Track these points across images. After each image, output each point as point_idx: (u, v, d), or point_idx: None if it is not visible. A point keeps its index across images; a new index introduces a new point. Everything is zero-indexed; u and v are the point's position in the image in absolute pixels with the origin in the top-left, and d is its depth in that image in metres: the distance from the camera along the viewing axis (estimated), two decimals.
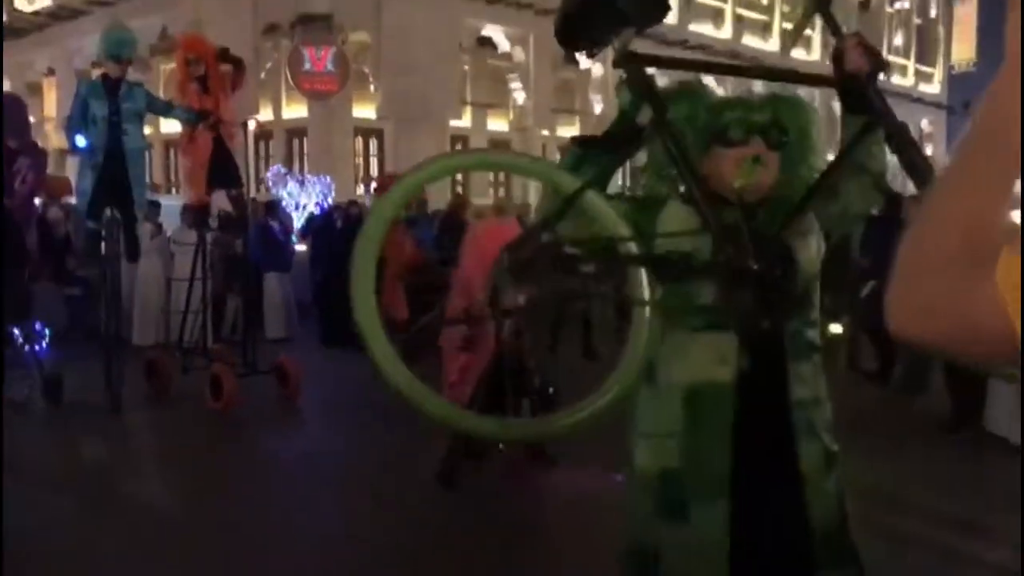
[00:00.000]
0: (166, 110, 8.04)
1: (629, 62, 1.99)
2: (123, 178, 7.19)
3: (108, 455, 6.04)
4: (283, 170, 12.54)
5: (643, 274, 2.01)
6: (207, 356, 8.02)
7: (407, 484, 5.50)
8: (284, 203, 11.98)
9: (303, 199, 12.27)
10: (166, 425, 7.45)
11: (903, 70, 33.21)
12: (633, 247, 2.00)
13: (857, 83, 2.07)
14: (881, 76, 2.11)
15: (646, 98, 1.99)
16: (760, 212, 2.09)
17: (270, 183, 12.64)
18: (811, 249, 2.14)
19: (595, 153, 2.06)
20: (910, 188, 2.44)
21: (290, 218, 11.62)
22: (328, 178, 14.14)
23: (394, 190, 1.99)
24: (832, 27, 2.16)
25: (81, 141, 6.99)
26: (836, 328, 8.45)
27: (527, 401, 5.17)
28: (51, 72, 19.66)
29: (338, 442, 6.76)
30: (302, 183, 12.21)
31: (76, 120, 7.06)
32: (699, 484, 2.06)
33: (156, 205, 11.28)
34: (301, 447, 6.71)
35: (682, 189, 2.11)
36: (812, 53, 27.13)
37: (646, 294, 2.01)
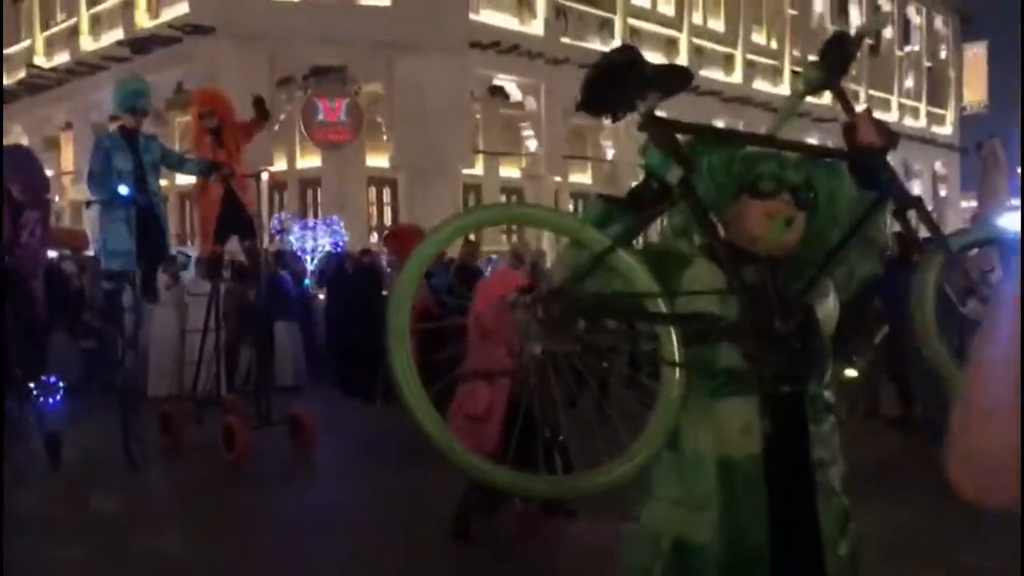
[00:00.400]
0: (179, 163, 8.10)
1: (655, 126, 2.04)
2: (155, 228, 7.24)
3: (121, 508, 5.97)
4: (287, 215, 12.53)
5: (673, 334, 2.00)
6: (221, 407, 7.99)
7: (422, 537, 5.42)
8: (293, 248, 11.97)
9: (309, 243, 12.20)
10: (180, 477, 7.41)
11: (915, 112, 33.30)
12: (664, 305, 2.01)
13: (868, 158, 2.11)
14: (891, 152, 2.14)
15: (675, 158, 2.02)
16: (782, 270, 2.10)
17: (274, 231, 12.62)
18: (829, 309, 2.15)
19: (621, 211, 2.09)
20: (923, 231, 2.46)
21: (302, 264, 11.60)
22: (339, 220, 14.11)
23: (431, 241, 2.01)
24: (844, 105, 2.20)
25: (124, 190, 6.91)
26: (851, 372, 8.36)
27: (558, 457, 5.09)
28: (68, 126, 19.94)
29: (351, 494, 6.69)
30: (306, 227, 12.17)
31: (100, 173, 7.10)
32: (736, 559, 2.04)
33: (173, 258, 11.35)
34: (315, 500, 6.64)
35: (707, 246, 2.12)
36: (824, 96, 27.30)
37: (677, 354, 1.99)
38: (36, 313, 6.98)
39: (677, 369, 1.99)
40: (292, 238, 11.71)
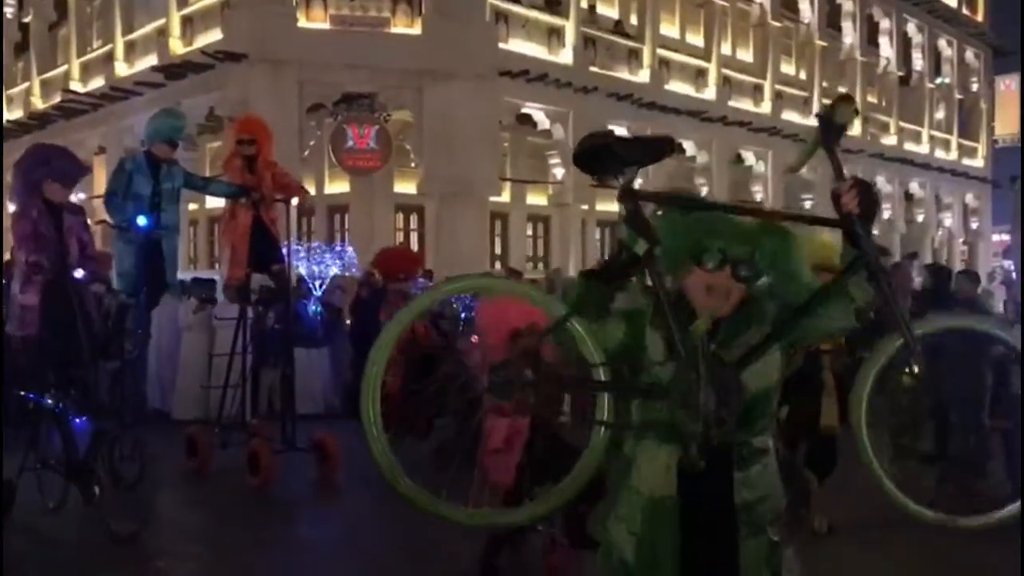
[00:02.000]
0: (204, 185, 8.14)
1: (628, 199, 2.37)
2: (158, 257, 7.21)
3: (145, 531, 5.93)
4: (295, 245, 12.44)
5: (606, 399, 2.37)
6: (246, 432, 7.98)
7: (449, 569, 5.34)
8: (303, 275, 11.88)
9: (315, 268, 12.04)
10: (204, 502, 7.39)
11: (946, 145, 33.02)
12: (603, 373, 2.36)
13: (850, 224, 2.36)
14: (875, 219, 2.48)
15: (640, 234, 2.33)
16: (722, 327, 2.40)
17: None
18: (768, 367, 2.40)
19: (595, 284, 2.44)
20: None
21: (308, 292, 11.50)
22: (349, 248, 13.92)
23: (408, 309, 2.50)
24: (835, 169, 2.42)
25: (143, 220, 6.86)
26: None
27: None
28: (102, 151, 20.20)
29: (376, 522, 6.63)
30: (309, 251, 12.01)
31: (119, 196, 7.10)
32: None
33: (203, 282, 11.41)
34: (339, 527, 6.59)
35: (655, 316, 2.42)
36: (853, 128, 27.16)
37: (606, 415, 2.37)
38: (94, 332, 6.64)
39: (603, 427, 2.37)
40: (299, 264, 11.55)
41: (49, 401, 6.20)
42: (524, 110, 18.64)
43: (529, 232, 21.21)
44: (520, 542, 5.27)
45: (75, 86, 20.57)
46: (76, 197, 21.38)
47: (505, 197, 19.53)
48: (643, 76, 20.59)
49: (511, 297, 5.64)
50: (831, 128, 2.43)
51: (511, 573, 5.19)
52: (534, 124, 19.24)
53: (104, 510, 5.93)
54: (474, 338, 9.11)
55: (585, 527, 5.38)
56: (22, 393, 6.57)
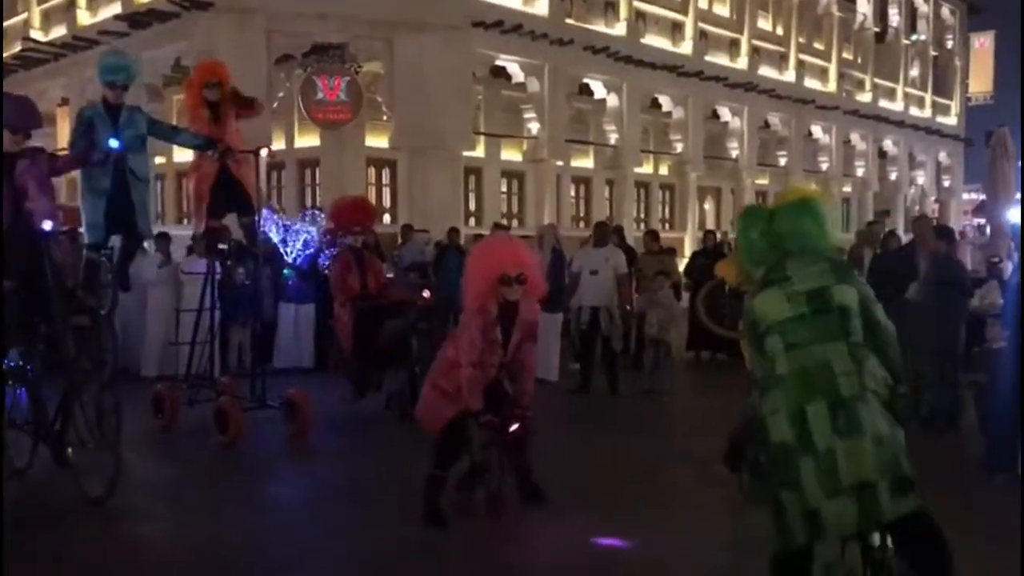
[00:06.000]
0: (171, 134, 7.82)
1: None
2: (127, 207, 6.99)
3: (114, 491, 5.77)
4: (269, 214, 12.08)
5: None
6: (214, 389, 7.83)
7: (418, 528, 5.25)
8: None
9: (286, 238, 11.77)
10: (171, 460, 7.24)
11: (920, 102, 33.03)
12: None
13: None
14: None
15: None
16: None
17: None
18: None
19: None
20: None
21: (277, 250, 11.33)
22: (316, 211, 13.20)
23: None
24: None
25: (114, 143, 6.64)
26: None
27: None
28: (65, 102, 19.64)
29: (346, 480, 6.52)
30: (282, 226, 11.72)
31: (80, 143, 6.85)
32: None
33: (165, 237, 11.15)
34: (308, 485, 6.48)
35: None
36: (829, 85, 27.08)
37: None
38: (62, 285, 6.31)
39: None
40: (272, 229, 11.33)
41: (11, 364, 6.00)
42: (498, 62, 18.33)
43: (504, 188, 20.99)
44: (464, 491, 5.49)
45: (36, 35, 19.93)
46: None
47: (479, 152, 19.27)
48: (620, 29, 20.29)
49: (503, 244, 5.73)
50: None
51: (474, 535, 5.25)
52: (508, 77, 18.93)
53: (75, 471, 5.79)
54: (426, 293, 9.03)
55: (533, 481, 5.50)
56: None
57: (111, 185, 6.84)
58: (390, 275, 10.34)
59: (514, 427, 5.34)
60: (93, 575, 4.73)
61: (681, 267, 12.97)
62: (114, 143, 6.68)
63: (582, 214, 22.28)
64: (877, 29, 30.13)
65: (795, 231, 3.28)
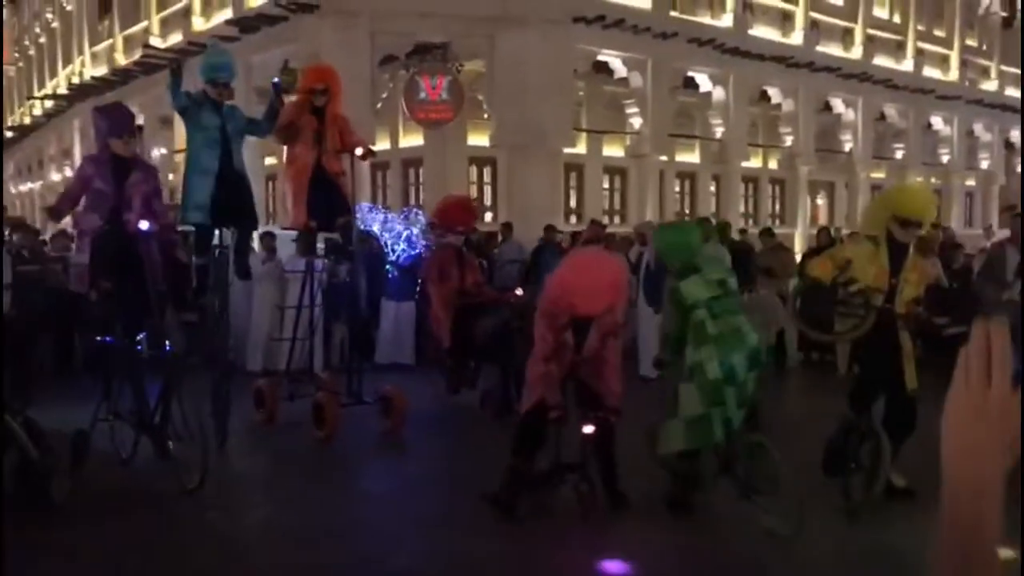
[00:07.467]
0: (270, 121, 7.39)
1: None
2: (243, 192, 7.05)
3: (209, 480, 5.91)
4: (368, 206, 12.19)
5: None
6: (313, 384, 7.96)
7: (508, 522, 5.20)
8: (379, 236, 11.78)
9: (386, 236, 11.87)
10: (267, 452, 7.40)
11: None
12: None
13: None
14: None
15: None
16: None
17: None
18: None
19: None
20: None
21: (381, 249, 11.47)
22: (418, 211, 13.27)
23: None
24: None
25: (275, 79, 7.22)
26: None
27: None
28: None
29: (439, 476, 6.53)
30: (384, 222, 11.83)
31: (181, 97, 6.82)
32: None
33: (270, 235, 11.42)
34: (402, 481, 6.51)
35: None
36: (950, 73, 25.83)
37: None
38: (158, 284, 6.31)
39: None
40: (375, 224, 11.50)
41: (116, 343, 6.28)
42: (600, 57, 18.11)
43: (606, 185, 20.78)
44: (545, 488, 5.38)
45: (155, 41, 20.80)
46: (159, 152, 21.58)
47: (580, 148, 19.11)
48: (726, 20, 19.79)
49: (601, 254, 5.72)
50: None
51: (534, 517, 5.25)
52: (610, 72, 18.69)
53: (176, 463, 5.97)
54: (518, 291, 8.96)
55: (616, 485, 5.37)
56: (97, 338, 6.73)
57: (218, 168, 6.85)
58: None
59: (588, 428, 5.24)
60: (187, 557, 4.85)
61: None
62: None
63: (687, 210, 21.88)
64: (1004, 13, 28.54)
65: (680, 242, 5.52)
